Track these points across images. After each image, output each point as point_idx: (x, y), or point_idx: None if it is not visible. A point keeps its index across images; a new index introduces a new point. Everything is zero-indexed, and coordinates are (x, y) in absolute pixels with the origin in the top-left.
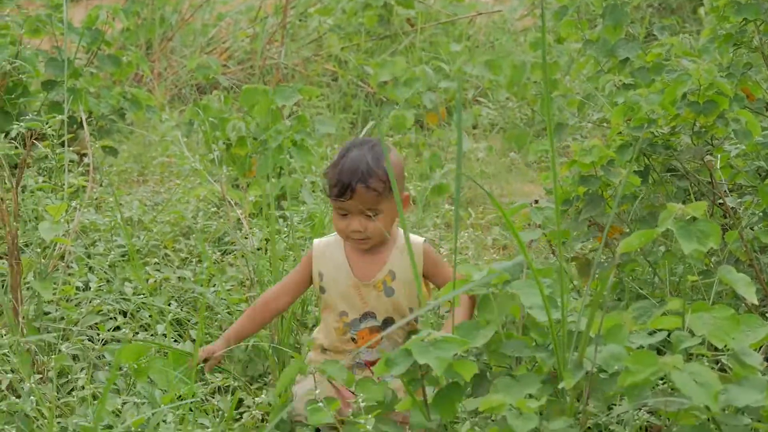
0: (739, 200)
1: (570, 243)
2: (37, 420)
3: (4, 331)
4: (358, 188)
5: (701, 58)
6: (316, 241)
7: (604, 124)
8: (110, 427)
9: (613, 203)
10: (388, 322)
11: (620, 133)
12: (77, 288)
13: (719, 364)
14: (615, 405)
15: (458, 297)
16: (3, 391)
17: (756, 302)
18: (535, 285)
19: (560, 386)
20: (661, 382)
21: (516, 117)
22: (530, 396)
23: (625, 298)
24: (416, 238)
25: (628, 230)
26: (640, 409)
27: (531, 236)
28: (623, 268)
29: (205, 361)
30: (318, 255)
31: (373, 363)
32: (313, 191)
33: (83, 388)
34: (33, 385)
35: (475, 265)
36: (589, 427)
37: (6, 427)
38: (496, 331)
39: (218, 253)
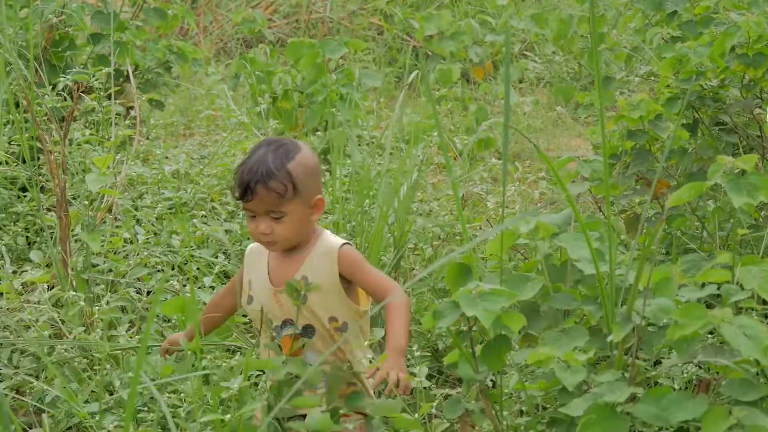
0: None
1: (617, 197)
2: (86, 371)
3: (53, 283)
4: (258, 189)
5: (750, 10)
6: (249, 247)
7: (652, 78)
8: (153, 379)
9: (661, 157)
10: (307, 329)
11: (668, 86)
12: (125, 240)
13: None
14: (663, 358)
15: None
16: (52, 342)
17: None
18: (582, 238)
19: (609, 339)
20: (710, 335)
21: (562, 71)
22: (578, 349)
23: (674, 253)
24: (335, 242)
25: (676, 184)
26: (689, 363)
27: (578, 189)
28: (672, 223)
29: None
30: (248, 262)
31: None
32: (359, 145)
33: (130, 339)
34: (81, 336)
35: (523, 219)
36: (637, 381)
37: (54, 377)
38: (544, 284)
39: None
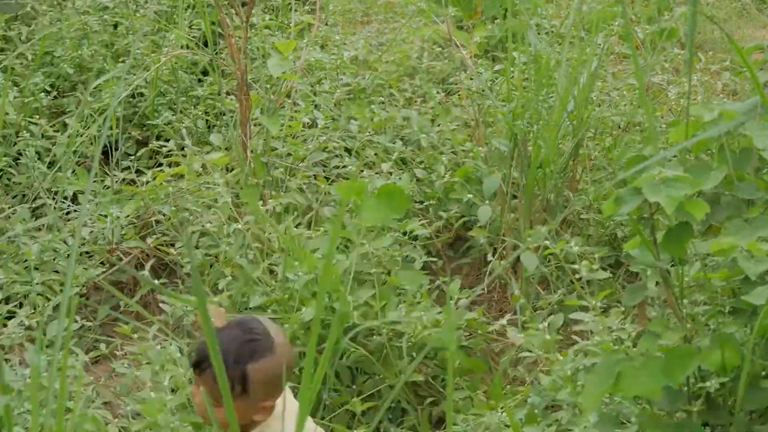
0: None
1: None
2: (259, 257)
3: (233, 165)
4: (207, 373)
5: None
6: None
7: None
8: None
9: None
10: None
11: None
12: (303, 125)
13: None
14: None
15: None
16: (225, 228)
17: None
18: None
19: None
20: None
21: None
22: (762, 239)
23: None
24: None
25: None
26: None
27: (765, 77)
28: None
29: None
30: None
31: None
32: (538, 33)
33: (309, 226)
34: (244, 227)
35: (707, 106)
36: None
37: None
38: (728, 173)
39: (443, 94)
